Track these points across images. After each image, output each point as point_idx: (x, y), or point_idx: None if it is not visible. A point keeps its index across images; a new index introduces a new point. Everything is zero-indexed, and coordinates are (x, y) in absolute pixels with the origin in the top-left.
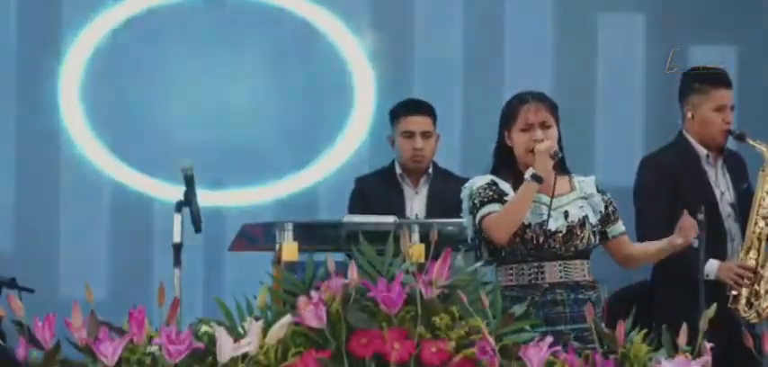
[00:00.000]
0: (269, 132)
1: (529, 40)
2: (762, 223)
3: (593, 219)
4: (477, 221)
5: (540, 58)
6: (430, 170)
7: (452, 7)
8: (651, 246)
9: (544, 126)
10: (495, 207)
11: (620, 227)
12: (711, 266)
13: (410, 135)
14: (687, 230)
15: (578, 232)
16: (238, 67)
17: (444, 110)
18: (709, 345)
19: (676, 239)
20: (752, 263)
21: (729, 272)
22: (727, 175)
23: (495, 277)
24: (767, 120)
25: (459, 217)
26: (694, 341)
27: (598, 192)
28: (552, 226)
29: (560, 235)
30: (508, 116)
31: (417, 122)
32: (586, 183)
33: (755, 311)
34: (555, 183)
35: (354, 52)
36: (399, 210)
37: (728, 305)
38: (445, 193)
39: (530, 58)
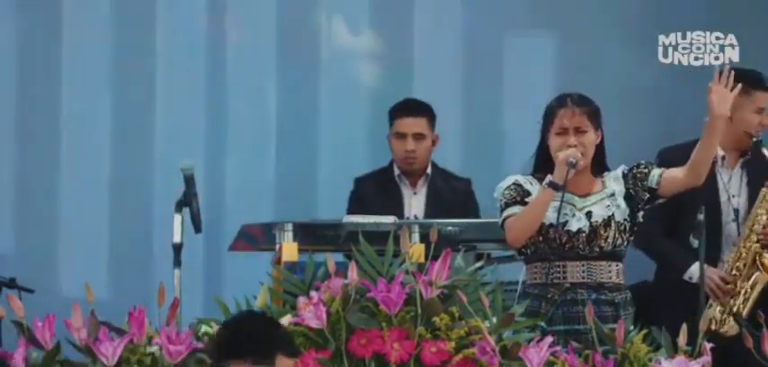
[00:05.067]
0: (269, 131)
1: (529, 38)
2: (754, 238)
3: (619, 218)
4: (501, 222)
5: (538, 57)
6: (429, 170)
7: (453, 7)
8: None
9: (578, 131)
10: (516, 209)
11: (655, 174)
12: (695, 270)
13: (402, 137)
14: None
15: (602, 232)
16: (239, 66)
17: (444, 110)
18: (709, 345)
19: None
20: (735, 275)
21: (709, 281)
22: (745, 180)
23: (525, 275)
24: None
25: (458, 216)
26: (694, 341)
27: (622, 177)
28: (574, 226)
29: (583, 235)
30: (547, 118)
31: (409, 124)
32: (613, 179)
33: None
34: (566, 184)
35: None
36: (398, 210)
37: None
38: (444, 193)
39: (530, 56)
